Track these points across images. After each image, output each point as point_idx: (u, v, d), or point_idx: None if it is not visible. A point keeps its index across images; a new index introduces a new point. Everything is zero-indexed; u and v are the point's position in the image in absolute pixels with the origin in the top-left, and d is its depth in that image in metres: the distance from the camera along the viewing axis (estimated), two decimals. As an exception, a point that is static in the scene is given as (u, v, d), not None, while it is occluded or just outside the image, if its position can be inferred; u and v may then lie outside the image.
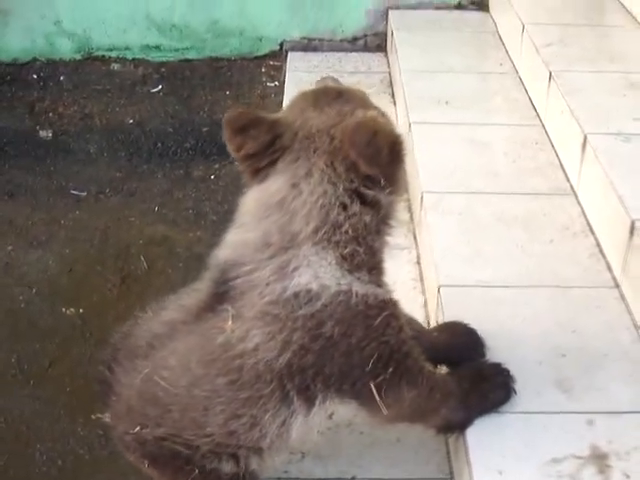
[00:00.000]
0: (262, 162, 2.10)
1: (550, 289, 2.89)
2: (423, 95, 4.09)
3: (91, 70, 5.16)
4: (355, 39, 5.12)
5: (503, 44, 4.61)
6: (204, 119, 4.71)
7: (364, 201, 2.05)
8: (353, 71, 4.90)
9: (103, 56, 5.21)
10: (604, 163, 3.08)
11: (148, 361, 2.16)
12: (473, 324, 2.71)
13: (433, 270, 3.00)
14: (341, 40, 5.13)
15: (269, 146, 2.08)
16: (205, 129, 4.62)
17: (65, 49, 5.20)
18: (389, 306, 2.11)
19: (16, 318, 3.51)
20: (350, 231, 2.03)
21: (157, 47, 5.18)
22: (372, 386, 2.08)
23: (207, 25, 5.11)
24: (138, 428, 2.15)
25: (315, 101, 2.16)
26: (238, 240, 2.14)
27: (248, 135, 2.08)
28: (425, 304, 3.19)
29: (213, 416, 2.10)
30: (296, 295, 2.01)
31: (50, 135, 4.64)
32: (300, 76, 4.84)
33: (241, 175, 2.23)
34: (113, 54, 5.21)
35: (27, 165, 4.42)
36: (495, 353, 2.57)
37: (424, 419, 2.38)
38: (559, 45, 4.00)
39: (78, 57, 5.22)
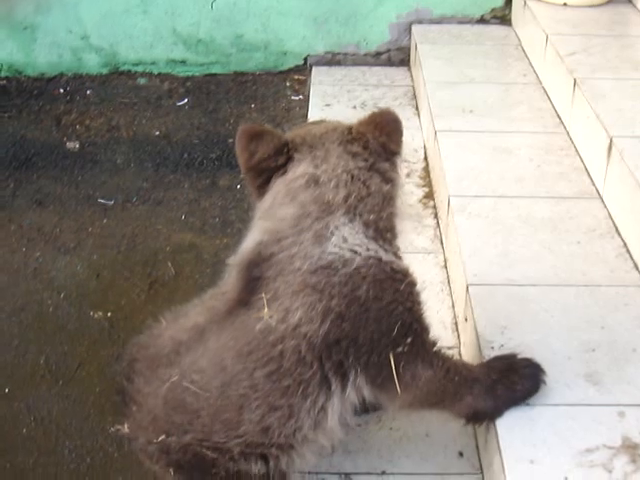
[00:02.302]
0: (279, 160, 2.26)
1: (578, 288, 2.90)
2: (448, 105, 4.13)
3: (117, 84, 5.24)
4: (378, 54, 5.17)
5: (526, 56, 4.65)
6: (230, 131, 4.75)
7: (382, 175, 2.27)
8: (377, 84, 4.94)
9: (129, 71, 5.29)
10: (631, 165, 3.10)
11: (174, 368, 2.19)
12: (502, 321, 2.75)
13: (461, 269, 3.02)
14: (365, 54, 5.18)
15: (282, 148, 2.27)
16: (231, 140, 4.65)
17: (92, 64, 5.28)
18: (410, 274, 2.25)
19: (44, 321, 3.53)
20: (373, 201, 2.21)
21: (183, 62, 5.25)
22: (391, 357, 2.14)
23: (232, 40, 5.17)
24: (163, 436, 2.18)
25: (307, 123, 2.65)
26: (272, 220, 2.23)
27: (262, 140, 2.27)
28: (453, 306, 3.21)
29: (249, 413, 2.13)
30: (332, 262, 2.12)
31: (77, 146, 4.69)
32: (324, 89, 4.89)
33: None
34: (139, 69, 5.28)
35: (55, 175, 4.46)
36: (524, 348, 2.57)
37: (447, 405, 2.39)
38: (582, 54, 4.04)
39: (105, 71, 5.29)
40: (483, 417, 2.40)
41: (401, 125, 2.33)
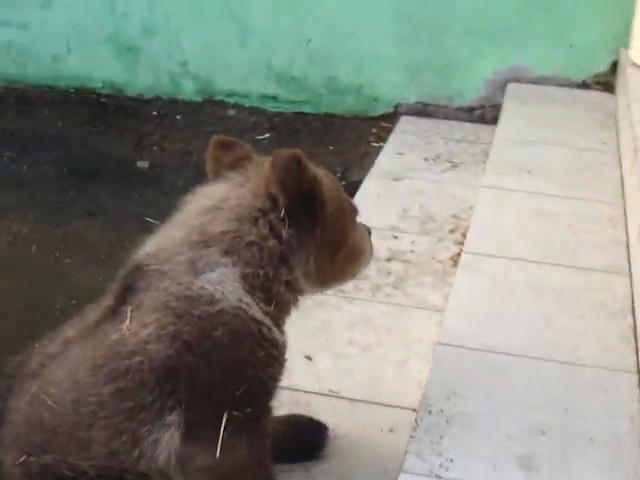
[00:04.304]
0: None
1: (559, 365, 2.57)
2: (507, 163, 3.85)
3: (208, 112, 5.24)
4: (471, 109, 4.93)
5: (616, 125, 4.29)
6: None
7: (271, 228, 2.00)
8: (459, 139, 4.71)
9: (222, 101, 5.29)
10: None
11: (36, 380, 2.01)
12: (456, 386, 2.47)
13: (439, 326, 2.76)
14: (457, 109, 4.95)
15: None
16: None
17: (188, 90, 5.33)
18: (279, 348, 2.01)
19: (50, 325, 3.50)
20: (254, 249, 1.98)
21: (274, 97, 5.20)
22: (224, 416, 1.92)
23: (324, 80, 5.08)
24: (24, 457, 1.98)
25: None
26: (162, 237, 2.10)
27: (229, 150, 2.22)
28: (438, 367, 2.94)
29: (97, 433, 1.93)
30: (200, 295, 1.93)
31: (146, 166, 4.71)
32: (405, 138, 4.71)
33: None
34: (232, 100, 5.27)
35: (115, 190, 4.49)
36: (462, 419, 2.29)
37: None
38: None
39: (199, 99, 5.32)
40: None
41: (292, 169, 1.94)
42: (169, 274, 1.97)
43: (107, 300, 2.08)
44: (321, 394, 2.79)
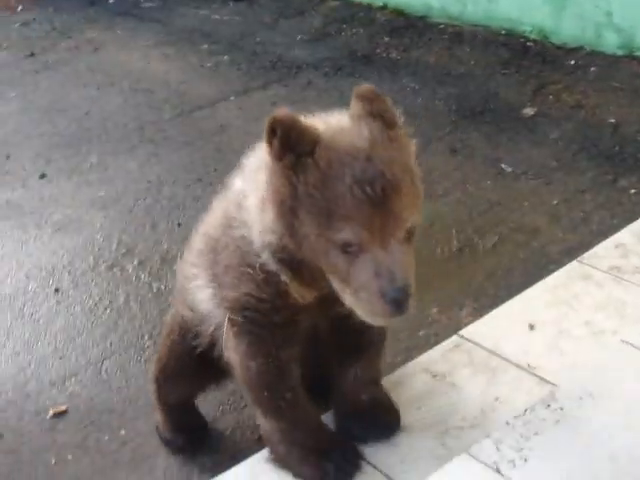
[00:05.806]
0: None
1: None
2: None
3: (624, 68, 4.96)
4: None
5: None
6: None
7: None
8: None
9: (642, 56, 4.98)
10: None
11: None
12: (601, 386, 2.23)
13: None
14: None
15: None
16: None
17: (610, 42, 5.09)
18: (266, 276, 2.09)
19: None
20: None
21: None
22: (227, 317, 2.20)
23: None
24: None
25: None
26: None
27: (366, 104, 2.06)
28: None
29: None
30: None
31: (532, 113, 4.65)
32: None
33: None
34: (653, 56, 4.93)
35: (489, 132, 4.51)
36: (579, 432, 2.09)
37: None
38: None
39: (619, 53, 5.06)
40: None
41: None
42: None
43: None
44: (516, 364, 2.69)
